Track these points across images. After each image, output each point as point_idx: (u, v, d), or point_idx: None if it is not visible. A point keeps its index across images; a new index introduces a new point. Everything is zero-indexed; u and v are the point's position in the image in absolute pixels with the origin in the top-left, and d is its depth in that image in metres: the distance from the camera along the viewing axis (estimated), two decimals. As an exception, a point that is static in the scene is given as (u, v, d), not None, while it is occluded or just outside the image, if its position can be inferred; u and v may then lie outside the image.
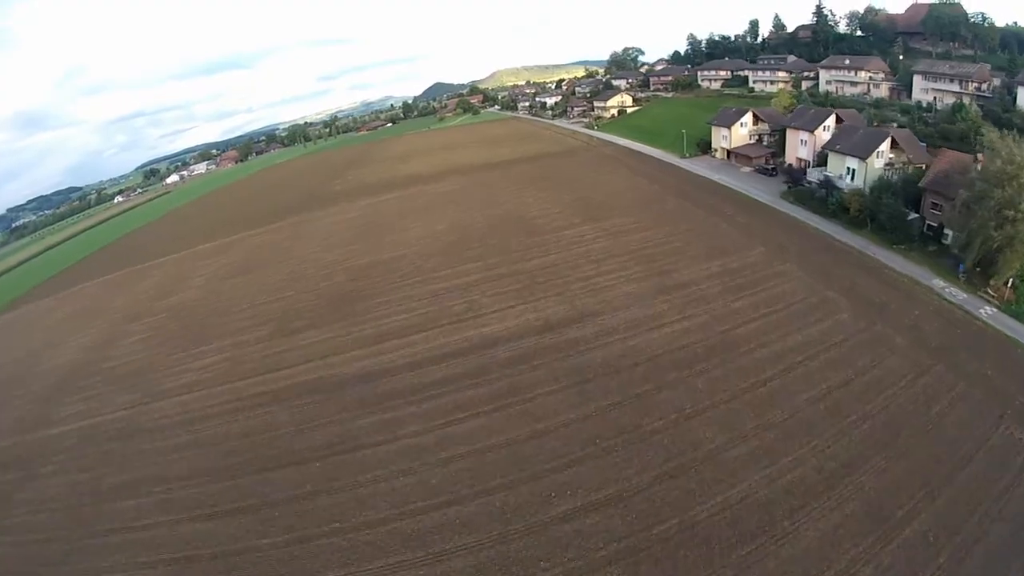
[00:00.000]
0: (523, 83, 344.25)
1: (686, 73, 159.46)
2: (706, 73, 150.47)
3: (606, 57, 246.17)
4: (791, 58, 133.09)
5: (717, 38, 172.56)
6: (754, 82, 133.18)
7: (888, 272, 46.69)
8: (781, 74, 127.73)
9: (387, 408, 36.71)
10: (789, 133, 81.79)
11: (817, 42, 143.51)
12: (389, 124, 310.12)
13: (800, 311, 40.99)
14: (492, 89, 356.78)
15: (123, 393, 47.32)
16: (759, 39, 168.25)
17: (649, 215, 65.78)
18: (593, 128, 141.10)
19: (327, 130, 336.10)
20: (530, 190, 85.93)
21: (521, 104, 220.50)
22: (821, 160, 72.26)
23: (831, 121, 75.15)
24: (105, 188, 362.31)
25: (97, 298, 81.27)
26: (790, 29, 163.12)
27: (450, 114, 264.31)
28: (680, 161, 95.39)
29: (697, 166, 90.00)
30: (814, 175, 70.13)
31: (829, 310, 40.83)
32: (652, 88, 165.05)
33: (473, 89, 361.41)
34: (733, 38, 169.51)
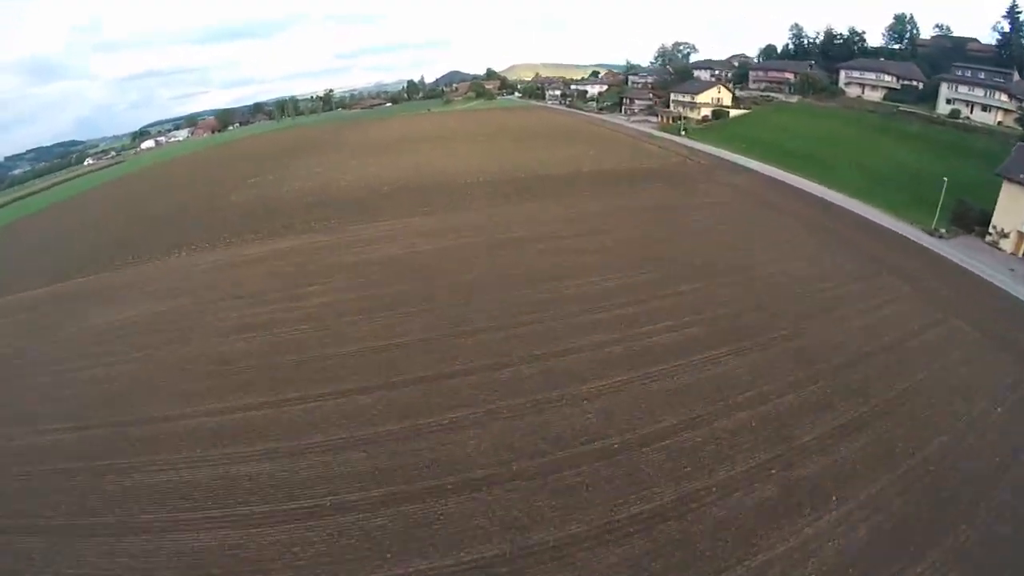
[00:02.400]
0: (543, 77, 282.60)
1: (809, 69, 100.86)
2: (856, 75, 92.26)
3: (623, 61, 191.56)
4: (1015, 76, 75.12)
5: (843, 33, 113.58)
6: (951, 100, 75.29)
7: None
8: (1001, 96, 70.19)
9: None
10: None
11: (1010, 59, 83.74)
12: (389, 104, 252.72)
13: None
14: (510, 80, 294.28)
15: None
16: (904, 42, 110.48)
17: None
18: (680, 133, 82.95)
19: (319, 104, 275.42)
20: (665, 306, 28.04)
21: (551, 93, 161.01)
22: None
23: None
24: (98, 146, 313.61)
25: None
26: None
27: (459, 98, 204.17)
28: (933, 243, 38.34)
29: (990, 269, 32.75)
30: None
31: None
32: (752, 84, 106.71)
33: (489, 73, 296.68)
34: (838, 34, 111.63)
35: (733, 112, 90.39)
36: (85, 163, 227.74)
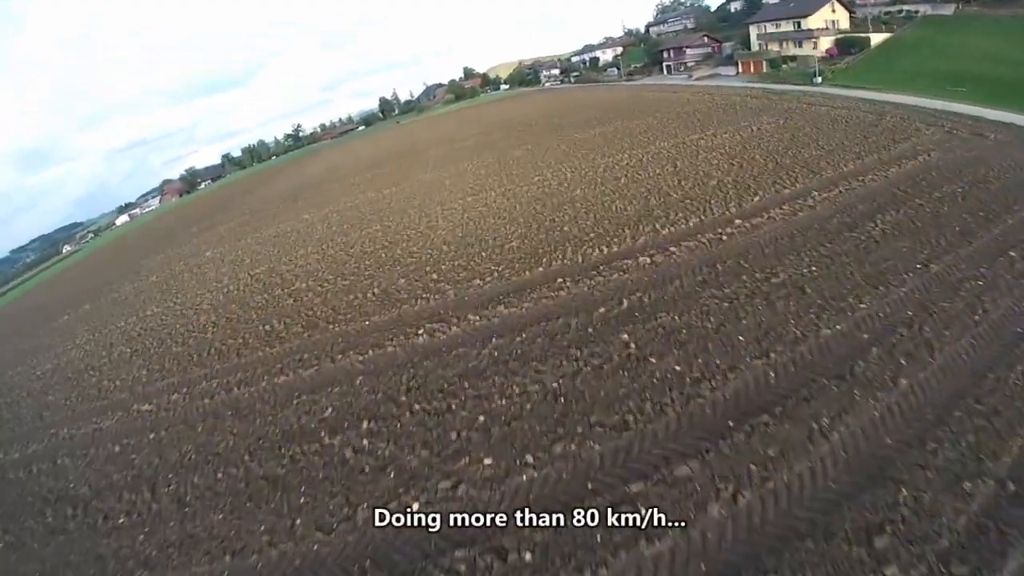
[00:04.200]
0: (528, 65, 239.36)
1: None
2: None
3: (614, 35, 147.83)
4: None
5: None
6: None
7: None
8: None
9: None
10: None
11: None
12: (361, 128, 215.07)
13: None
14: (491, 78, 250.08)
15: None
16: None
17: None
18: (814, 80, 45.59)
19: (288, 143, 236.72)
20: None
21: (547, 73, 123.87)
22: None
23: None
24: (93, 224, 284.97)
25: None
26: None
27: (437, 104, 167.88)
28: None
29: None
30: None
31: None
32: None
33: (468, 72, 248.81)
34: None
35: (875, 38, 52.68)
36: (63, 250, 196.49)
